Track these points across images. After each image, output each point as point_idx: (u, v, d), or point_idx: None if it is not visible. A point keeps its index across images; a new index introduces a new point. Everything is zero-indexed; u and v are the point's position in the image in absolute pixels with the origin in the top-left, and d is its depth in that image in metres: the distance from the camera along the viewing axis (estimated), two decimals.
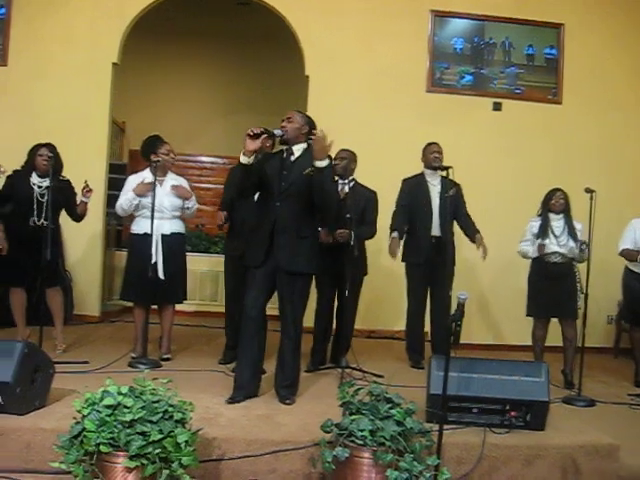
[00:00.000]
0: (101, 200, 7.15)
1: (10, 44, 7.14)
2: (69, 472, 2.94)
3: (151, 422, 2.94)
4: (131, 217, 5.54)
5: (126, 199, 5.35)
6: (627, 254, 5.67)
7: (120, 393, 3.03)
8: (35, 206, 5.35)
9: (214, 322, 6.90)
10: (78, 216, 5.58)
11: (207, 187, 9.88)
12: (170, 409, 3.02)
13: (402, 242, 5.87)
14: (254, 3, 7.63)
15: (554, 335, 5.79)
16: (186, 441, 2.96)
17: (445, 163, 5.62)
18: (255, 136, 4.06)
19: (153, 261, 5.19)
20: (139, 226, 5.40)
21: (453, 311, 3.43)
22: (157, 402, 3.03)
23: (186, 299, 5.71)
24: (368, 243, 5.68)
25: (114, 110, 7.53)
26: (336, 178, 4.34)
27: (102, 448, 2.86)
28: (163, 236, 5.32)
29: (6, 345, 3.72)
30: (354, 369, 5.20)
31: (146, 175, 5.38)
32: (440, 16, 7.52)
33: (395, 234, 5.77)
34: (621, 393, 5.41)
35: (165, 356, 5.47)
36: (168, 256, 5.32)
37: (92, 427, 2.89)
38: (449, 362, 3.35)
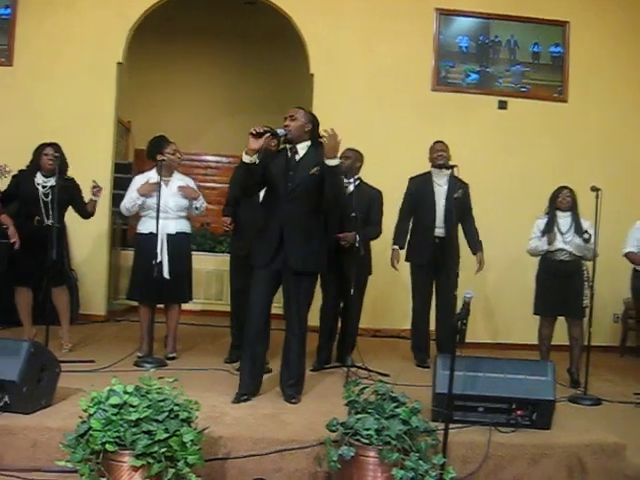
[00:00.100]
0: (107, 199, 7.16)
1: (15, 44, 7.16)
2: (75, 471, 2.95)
3: (157, 421, 2.94)
4: (137, 216, 5.54)
5: (130, 199, 5.36)
6: (632, 258, 5.62)
7: (126, 392, 3.03)
8: (40, 205, 5.35)
9: (219, 321, 6.90)
10: (88, 213, 5.59)
11: (212, 186, 9.88)
12: (176, 408, 3.02)
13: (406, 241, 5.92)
14: (259, 2, 7.64)
15: (560, 334, 5.78)
16: (192, 440, 2.96)
17: (451, 161, 5.65)
18: (258, 135, 4.05)
19: (158, 260, 5.19)
20: (145, 226, 5.40)
21: (459, 310, 3.42)
22: (163, 401, 3.03)
23: (192, 299, 5.72)
24: (373, 242, 5.68)
25: (119, 109, 7.54)
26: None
27: (108, 447, 2.87)
28: (168, 235, 5.32)
29: (12, 344, 3.73)
30: (360, 368, 5.20)
31: (152, 175, 5.39)
32: (445, 14, 7.51)
33: (396, 246, 5.90)
34: (627, 392, 5.39)
35: (171, 355, 5.48)
36: (173, 256, 5.33)
37: (98, 426, 2.90)
38: (455, 361, 3.35)
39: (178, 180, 5.48)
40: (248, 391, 4.24)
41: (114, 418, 2.92)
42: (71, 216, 5.66)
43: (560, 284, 5.56)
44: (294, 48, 7.71)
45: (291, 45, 7.85)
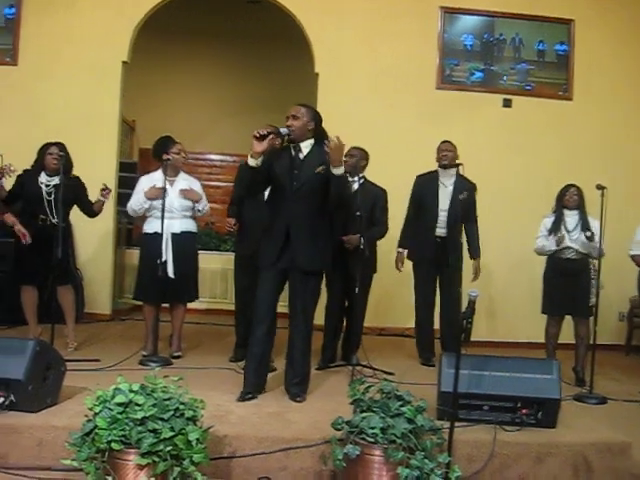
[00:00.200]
0: (112, 199, 7.14)
1: (20, 44, 7.17)
2: (81, 469, 2.96)
3: (162, 420, 2.95)
4: (143, 216, 5.54)
5: (137, 201, 5.38)
6: (638, 261, 5.60)
7: (131, 391, 3.03)
8: (44, 204, 5.36)
9: (224, 320, 6.91)
10: (93, 212, 5.60)
11: (217, 185, 9.89)
12: (181, 407, 3.03)
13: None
14: (264, 2, 7.65)
15: (566, 332, 5.77)
16: (197, 439, 2.96)
17: (458, 160, 5.66)
18: (262, 137, 4.05)
19: (163, 260, 5.20)
20: (150, 226, 5.41)
21: (464, 308, 3.42)
22: (168, 400, 3.04)
23: (198, 298, 5.73)
24: (379, 242, 5.69)
25: (124, 109, 7.55)
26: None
27: (113, 445, 2.87)
28: (173, 235, 5.33)
29: (18, 343, 3.75)
30: (365, 366, 5.19)
31: (157, 177, 5.39)
32: (450, 13, 7.50)
33: (400, 249, 5.95)
34: (633, 391, 5.38)
35: (176, 354, 5.49)
36: (179, 255, 5.33)
37: (104, 425, 2.90)
38: (460, 359, 3.35)
39: (183, 180, 5.48)
40: (253, 390, 4.24)
41: (120, 417, 2.92)
42: (76, 215, 5.67)
43: (567, 282, 5.54)
44: (298, 47, 7.71)
45: (295, 44, 7.84)
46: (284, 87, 9.61)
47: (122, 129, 7.73)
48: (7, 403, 3.55)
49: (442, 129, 6.80)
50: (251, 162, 4.12)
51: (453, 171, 5.74)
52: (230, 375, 4.88)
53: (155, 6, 7.29)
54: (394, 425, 3.14)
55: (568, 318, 5.72)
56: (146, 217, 5.47)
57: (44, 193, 5.37)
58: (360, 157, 5.50)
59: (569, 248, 5.56)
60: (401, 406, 3.24)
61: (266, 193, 4.58)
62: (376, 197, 5.55)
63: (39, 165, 5.44)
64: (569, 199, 5.65)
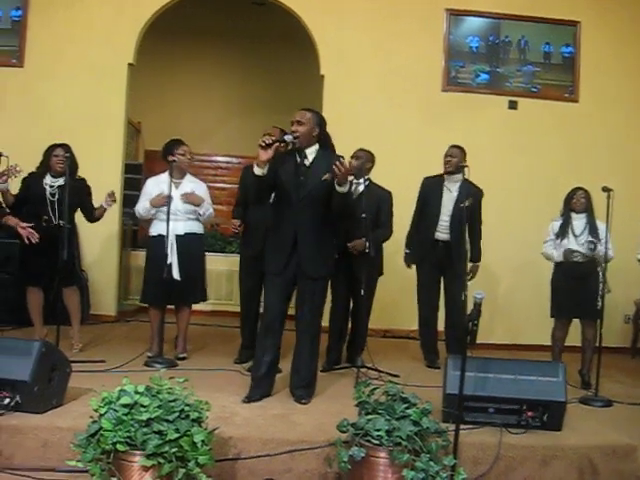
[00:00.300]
0: (117, 200, 7.15)
1: (26, 45, 7.17)
2: (86, 470, 2.97)
3: (168, 421, 2.95)
4: (149, 219, 5.55)
5: (144, 208, 5.41)
6: None
7: (137, 392, 3.04)
8: (47, 205, 5.37)
9: (230, 322, 6.90)
10: (94, 217, 5.61)
11: (222, 186, 9.90)
12: (186, 408, 3.03)
13: None
14: (269, 3, 7.64)
15: (572, 335, 5.75)
16: (202, 440, 2.97)
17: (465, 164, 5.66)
18: (267, 146, 4.04)
19: (168, 262, 5.20)
20: (155, 228, 5.42)
21: (469, 311, 3.42)
22: (173, 401, 3.04)
23: (206, 299, 5.73)
24: (385, 244, 5.68)
25: (130, 110, 7.56)
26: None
27: (119, 447, 2.88)
28: (178, 237, 5.32)
29: (24, 344, 3.76)
30: (370, 369, 5.19)
31: (163, 178, 5.40)
32: (455, 14, 7.49)
33: (408, 251, 6.00)
34: (638, 393, 5.34)
35: (181, 355, 5.49)
36: (183, 257, 5.33)
37: (109, 426, 2.90)
38: (465, 362, 3.34)
39: (189, 182, 5.48)
40: (260, 396, 4.24)
41: (125, 418, 2.93)
42: (82, 217, 5.67)
43: (575, 286, 5.50)
44: (304, 49, 7.71)
45: (301, 46, 7.85)
46: (289, 88, 9.65)
47: (128, 131, 7.73)
48: (13, 404, 3.56)
49: (447, 131, 6.81)
50: (257, 171, 4.11)
51: (459, 176, 5.73)
52: (235, 377, 4.89)
53: (161, 7, 7.30)
54: (399, 427, 3.14)
55: (575, 321, 5.70)
56: (152, 219, 5.48)
57: (47, 194, 5.38)
58: (366, 159, 5.49)
59: (575, 252, 5.53)
60: (407, 408, 3.24)
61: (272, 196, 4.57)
62: (381, 199, 5.54)
63: (44, 167, 5.46)
64: (576, 202, 5.62)
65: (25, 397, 3.56)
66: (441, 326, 5.98)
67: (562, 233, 5.58)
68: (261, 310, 4.57)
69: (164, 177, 5.40)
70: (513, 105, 7.51)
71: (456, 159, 5.74)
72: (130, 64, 7.30)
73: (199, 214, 5.46)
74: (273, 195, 4.45)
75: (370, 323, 5.70)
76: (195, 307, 5.78)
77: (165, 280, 5.13)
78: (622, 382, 5.84)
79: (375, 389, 3.42)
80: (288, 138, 4.22)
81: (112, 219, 7.03)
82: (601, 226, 5.44)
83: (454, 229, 5.71)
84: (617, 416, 4.63)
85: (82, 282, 6.39)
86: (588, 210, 5.60)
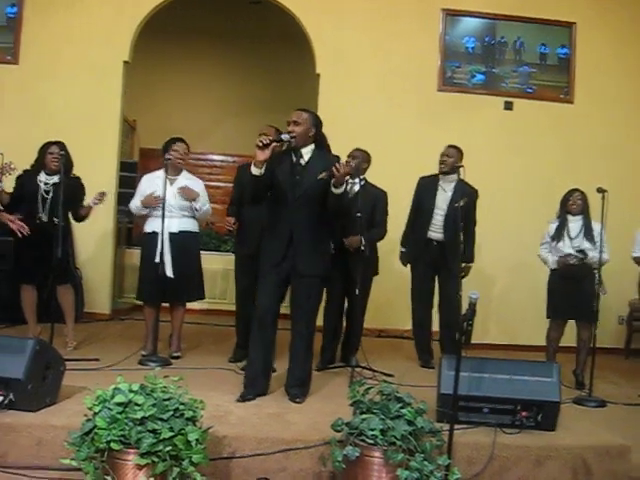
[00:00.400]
0: (112, 198, 7.18)
1: (21, 42, 7.16)
2: (80, 469, 2.95)
3: (162, 420, 2.94)
4: (144, 217, 5.54)
5: (136, 206, 5.43)
6: None
7: (131, 391, 3.03)
8: (40, 203, 5.36)
9: (224, 320, 6.89)
10: (80, 216, 5.58)
11: (217, 185, 9.87)
12: (181, 407, 3.02)
13: None
14: (265, 2, 7.64)
15: (567, 336, 5.76)
16: (197, 439, 2.96)
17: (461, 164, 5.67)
18: (265, 146, 4.04)
19: (158, 260, 5.19)
20: (149, 225, 5.42)
21: (464, 310, 3.42)
22: (168, 400, 3.03)
23: (203, 297, 5.72)
24: (380, 243, 5.69)
25: (125, 108, 7.54)
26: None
27: (113, 445, 2.87)
28: (172, 234, 5.31)
29: (17, 342, 3.74)
30: (364, 368, 5.19)
31: (159, 174, 5.39)
32: (451, 15, 7.50)
33: (404, 249, 6.01)
34: (632, 394, 5.37)
35: (175, 354, 5.49)
36: (177, 255, 5.31)
37: (103, 424, 2.90)
38: (460, 362, 3.34)
39: (185, 179, 5.47)
40: (254, 394, 4.23)
41: (119, 416, 2.92)
42: None
43: (571, 288, 5.51)
44: (300, 48, 7.71)
45: (297, 45, 7.84)
46: (285, 87, 9.64)
47: (123, 129, 7.72)
48: (6, 402, 3.54)
49: (443, 131, 6.82)
50: (255, 171, 4.11)
51: (454, 177, 5.74)
52: (230, 376, 4.88)
53: (157, 6, 7.29)
54: (394, 427, 3.13)
55: (571, 322, 5.70)
56: (147, 216, 5.47)
57: (42, 191, 5.36)
58: (362, 159, 5.49)
59: (570, 255, 5.52)
60: (401, 408, 3.23)
61: None
62: (376, 199, 5.54)
63: (39, 164, 5.44)
64: (572, 204, 5.62)
65: (19, 395, 3.55)
66: (435, 326, 5.98)
67: (557, 236, 5.58)
68: None
69: (159, 173, 5.40)
70: (509, 106, 7.52)
71: (452, 159, 5.75)
72: (126, 62, 7.29)
73: (195, 209, 5.43)
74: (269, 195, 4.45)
75: (365, 323, 5.71)
76: (190, 306, 5.77)
77: (159, 278, 5.12)
78: (616, 383, 5.87)
79: (370, 388, 3.42)
80: (285, 137, 4.22)
81: (107, 217, 7.03)
82: (597, 228, 5.45)
83: (448, 229, 5.72)
84: (611, 416, 4.65)
85: (76, 280, 6.36)
86: (584, 212, 5.61)
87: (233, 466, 3.44)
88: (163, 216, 5.15)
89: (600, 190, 5.11)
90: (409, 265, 5.98)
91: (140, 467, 2.88)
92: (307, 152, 4.29)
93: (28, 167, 5.46)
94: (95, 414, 2.95)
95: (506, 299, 7.30)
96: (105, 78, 7.21)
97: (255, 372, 4.28)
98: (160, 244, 5.21)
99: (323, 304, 5.34)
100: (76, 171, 5.54)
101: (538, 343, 5.99)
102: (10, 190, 5.40)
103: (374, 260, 5.61)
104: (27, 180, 5.39)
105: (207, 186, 5.67)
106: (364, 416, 3.23)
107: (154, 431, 2.90)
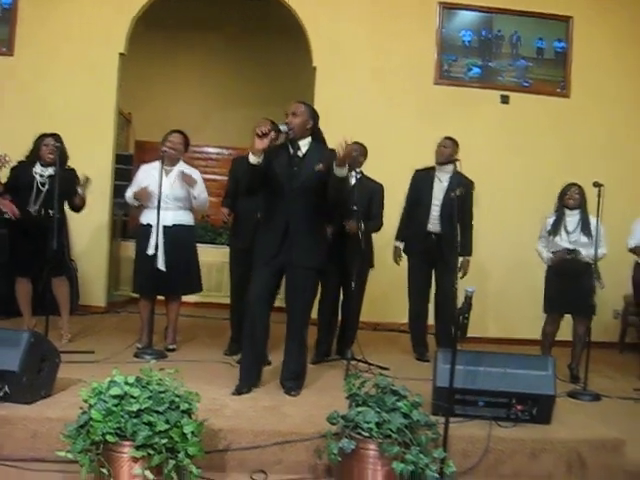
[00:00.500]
0: (108, 191, 7.16)
1: (17, 34, 7.13)
2: (75, 461, 2.95)
3: (157, 412, 2.94)
4: (139, 208, 5.52)
5: (129, 198, 5.43)
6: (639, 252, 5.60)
7: (127, 383, 3.03)
8: (34, 195, 5.33)
9: (219, 313, 6.88)
10: (76, 206, 5.56)
11: (213, 178, 9.81)
12: (176, 399, 3.03)
13: None
14: None
15: (562, 330, 5.77)
16: (192, 431, 2.96)
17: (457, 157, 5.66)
18: (263, 135, 4.04)
19: (151, 252, 5.18)
20: (145, 217, 5.40)
21: (460, 304, 3.42)
22: (163, 392, 3.04)
23: (201, 290, 5.71)
24: (375, 237, 5.68)
25: (120, 101, 7.52)
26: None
27: (108, 438, 2.87)
28: (165, 228, 5.28)
29: (13, 335, 3.74)
30: (359, 361, 5.19)
31: (155, 165, 5.38)
32: (448, 8, 7.49)
33: (398, 243, 5.99)
34: (627, 388, 5.40)
35: (170, 347, 5.48)
36: (171, 248, 5.28)
37: (99, 417, 2.89)
38: (456, 355, 3.35)
39: (182, 169, 5.45)
40: (248, 386, 4.23)
41: (115, 409, 2.92)
42: None
43: (568, 282, 5.50)
44: (296, 41, 7.68)
45: (293, 38, 7.82)
46: (281, 80, 9.61)
47: (118, 121, 7.69)
48: (1, 394, 3.55)
49: (439, 124, 6.80)
50: (252, 160, 4.10)
51: (450, 167, 5.75)
52: (225, 368, 4.88)
53: None
54: (389, 420, 3.14)
55: (567, 316, 5.71)
56: (143, 207, 5.45)
57: (37, 183, 5.34)
58: (359, 152, 5.48)
59: (567, 249, 5.52)
60: (397, 401, 3.24)
61: None
62: (373, 192, 5.54)
63: (34, 156, 5.41)
64: (570, 198, 5.61)
65: (14, 387, 3.55)
66: (431, 319, 5.99)
67: (554, 230, 5.58)
68: None
69: (156, 164, 5.37)
70: (505, 99, 7.52)
71: (448, 149, 5.77)
72: (121, 54, 7.26)
73: (193, 197, 5.39)
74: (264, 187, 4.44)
75: (361, 316, 5.71)
76: (185, 298, 5.76)
77: (154, 270, 5.12)
78: (610, 377, 5.89)
79: (365, 381, 3.42)
80: (283, 128, 4.22)
81: (102, 209, 7.02)
82: (594, 222, 5.44)
83: (444, 220, 5.71)
84: (605, 410, 4.67)
85: (71, 272, 6.36)
86: (582, 206, 5.59)
87: (229, 459, 3.45)
88: (159, 208, 5.14)
89: (596, 184, 5.10)
90: (405, 258, 5.98)
91: (136, 459, 2.88)
92: (304, 144, 4.29)
93: (22, 158, 5.43)
94: (90, 406, 2.95)
95: (503, 295, 7.29)
96: (100, 70, 7.18)
97: (248, 363, 4.29)
98: (155, 237, 5.20)
99: (318, 297, 5.36)
100: (71, 163, 5.51)
101: (533, 337, 5.98)
102: (3, 181, 5.38)
103: (370, 253, 5.60)
104: (22, 171, 5.36)
105: (203, 179, 5.65)
106: (360, 409, 3.23)
107: (150, 423, 2.90)
